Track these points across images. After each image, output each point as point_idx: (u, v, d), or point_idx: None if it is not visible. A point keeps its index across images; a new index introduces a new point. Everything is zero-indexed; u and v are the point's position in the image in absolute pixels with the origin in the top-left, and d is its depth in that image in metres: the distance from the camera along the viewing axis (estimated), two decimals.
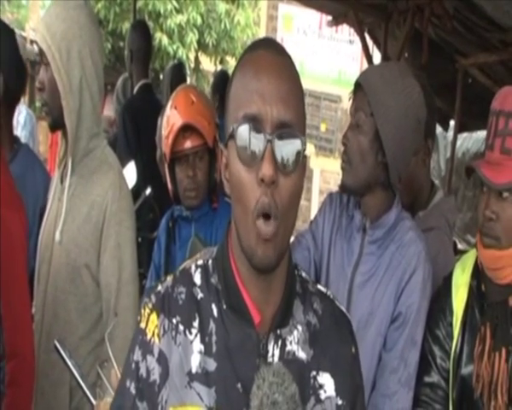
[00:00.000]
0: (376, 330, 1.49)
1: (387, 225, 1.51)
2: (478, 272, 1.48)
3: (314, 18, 12.04)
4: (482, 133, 5.68)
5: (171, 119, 2.01)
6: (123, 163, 2.15)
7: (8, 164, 1.69)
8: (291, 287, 0.98)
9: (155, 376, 0.93)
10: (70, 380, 1.62)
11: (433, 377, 1.50)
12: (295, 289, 1.00)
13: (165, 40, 9.65)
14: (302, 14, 12.09)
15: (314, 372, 0.97)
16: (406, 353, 1.46)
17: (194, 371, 0.93)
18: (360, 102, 1.48)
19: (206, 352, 0.93)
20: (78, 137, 1.70)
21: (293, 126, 0.88)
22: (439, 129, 5.58)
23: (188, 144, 2.00)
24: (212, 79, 5.74)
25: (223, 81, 4.34)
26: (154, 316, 0.95)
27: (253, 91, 0.88)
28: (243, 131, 0.88)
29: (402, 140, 1.45)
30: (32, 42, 7.68)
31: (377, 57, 5.19)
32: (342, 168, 1.53)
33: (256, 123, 0.87)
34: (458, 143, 5.76)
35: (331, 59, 13.01)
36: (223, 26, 10.32)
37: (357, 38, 5.77)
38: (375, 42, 5.21)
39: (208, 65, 11.02)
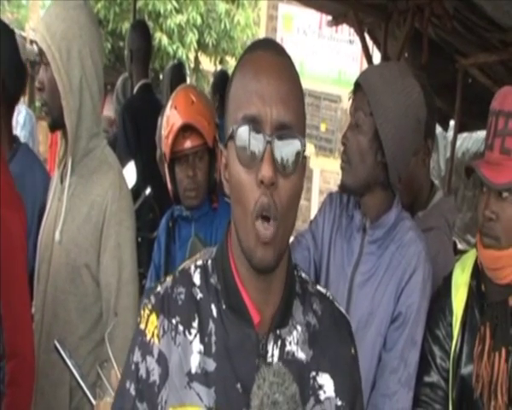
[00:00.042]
0: (376, 330, 1.49)
1: (387, 225, 1.51)
2: (478, 272, 1.48)
3: (314, 18, 12.04)
4: (482, 133, 5.67)
5: (171, 119, 2.01)
6: (123, 163, 2.15)
7: (7, 164, 1.69)
8: (290, 287, 0.98)
9: (155, 376, 0.93)
10: (70, 380, 1.62)
11: (433, 377, 1.50)
12: (295, 290, 1.00)
13: (164, 40, 9.65)
14: (302, 14, 12.10)
15: (313, 373, 0.97)
16: (406, 353, 1.46)
17: (193, 371, 0.93)
18: (360, 101, 1.48)
19: (206, 352, 0.93)
20: (77, 137, 1.70)
21: (292, 128, 0.88)
22: (438, 129, 5.58)
23: (188, 144, 2.00)
24: (211, 79, 5.74)
25: (222, 81, 4.34)
26: (153, 317, 0.95)
27: (253, 92, 0.88)
28: (243, 132, 0.88)
29: (401, 140, 1.45)
30: (31, 42, 7.67)
31: (377, 57, 5.19)
32: (342, 168, 1.53)
33: (256, 124, 0.87)
34: (458, 143, 5.76)
35: (331, 59, 13.02)
36: (223, 26, 10.32)
37: (357, 38, 5.77)
38: (375, 42, 5.21)
39: (208, 65, 11.02)
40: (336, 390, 0.98)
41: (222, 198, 2.08)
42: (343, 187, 1.53)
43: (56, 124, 1.73)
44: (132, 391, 0.94)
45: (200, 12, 10.07)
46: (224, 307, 0.95)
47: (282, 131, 0.87)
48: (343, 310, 1.06)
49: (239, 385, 0.92)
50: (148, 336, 0.95)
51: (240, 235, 0.91)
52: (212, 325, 0.94)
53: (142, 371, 0.94)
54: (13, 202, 1.55)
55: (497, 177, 1.34)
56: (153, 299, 0.97)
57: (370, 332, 1.49)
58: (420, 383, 1.49)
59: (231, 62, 10.66)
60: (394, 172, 1.48)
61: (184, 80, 4.27)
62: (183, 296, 0.96)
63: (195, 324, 0.95)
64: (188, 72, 8.49)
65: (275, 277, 0.94)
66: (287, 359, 0.95)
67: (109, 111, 4.57)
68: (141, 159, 3.08)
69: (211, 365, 0.93)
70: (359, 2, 4.56)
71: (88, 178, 1.71)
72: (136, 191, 2.60)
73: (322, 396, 0.97)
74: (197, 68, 11.08)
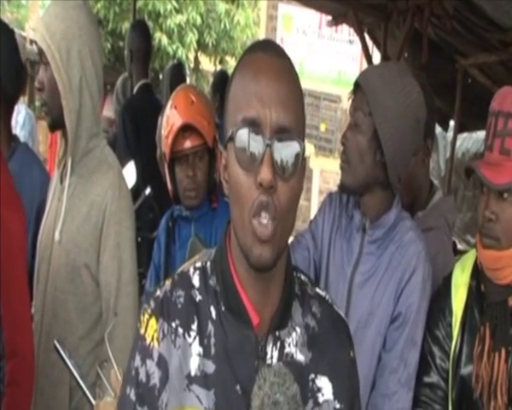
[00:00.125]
0: (376, 330, 1.49)
1: (387, 225, 1.51)
2: (477, 273, 1.48)
3: (314, 18, 12.04)
4: (482, 133, 5.67)
5: (171, 118, 2.01)
6: (122, 163, 2.15)
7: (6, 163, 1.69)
8: (290, 289, 0.98)
9: (155, 380, 0.93)
10: (70, 380, 1.62)
11: (433, 378, 1.50)
12: (294, 291, 0.99)
13: (164, 40, 9.64)
14: (302, 14, 12.10)
15: (312, 375, 0.97)
16: (406, 353, 1.46)
17: (192, 373, 0.93)
18: (359, 101, 1.48)
19: (205, 354, 0.93)
20: (77, 137, 1.70)
21: (292, 130, 0.88)
22: (438, 129, 5.58)
23: (187, 144, 2.00)
24: (211, 79, 5.74)
25: (222, 81, 4.34)
26: (153, 321, 0.95)
27: (252, 94, 0.88)
28: (242, 134, 0.88)
29: (401, 140, 1.45)
30: (31, 42, 7.68)
31: (377, 57, 5.19)
32: (341, 168, 1.53)
33: (255, 127, 0.87)
34: (458, 143, 5.76)
35: (331, 59, 13.02)
36: (222, 26, 10.31)
37: (356, 38, 5.77)
38: (375, 42, 5.21)
39: (208, 65, 11.01)
40: (335, 393, 0.98)
41: (222, 198, 2.08)
42: (342, 187, 1.53)
43: (56, 124, 1.73)
44: (132, 397, 0.94)
45: (199, 12, 10.07)
46: (223, 308, 0.95)
47: (282, 133, 0.87)
48: (342, 313, 1.06)
49: (238, 387, 0.92)
50: (148, 340, 0.94)
51: (238, 233, 0.91)
52: (211, 327, 0.94)
53: (142, 376, 0.94)
54: (13, 201, 1.55)
55: (496, 177, 1.34)
56: (152, 303, 0.97)
57: (370, 332, 1.49)
58: (419, 383, 1.49)
59: (231, 62, 10.65)
60: (393, 171, 1.48)
61: (184, 80, 4.26)
62: (182, 299, 0.96)
63: (195, 326, 0.94)
64: (187, 72, 8.50)
65: (274, 277, 0.94)
66: (286, 360, 0.95)
67: (109, 111, 4.57)
68: (141, 159, 3.08)
69: (210, 367, 0.93)
70: (359, 2, 4.56)
71: (87, 178, 1.71)
72: (136, 191, 2.60)
73: (321, 399, 0.97)
74: (197, 68, 11.07)
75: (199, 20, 10.03)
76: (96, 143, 1.75)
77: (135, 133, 3.29)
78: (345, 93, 1.93)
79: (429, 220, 1.75)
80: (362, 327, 1.48)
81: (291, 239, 1.33)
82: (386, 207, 1.52)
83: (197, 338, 0.94)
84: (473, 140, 6.71)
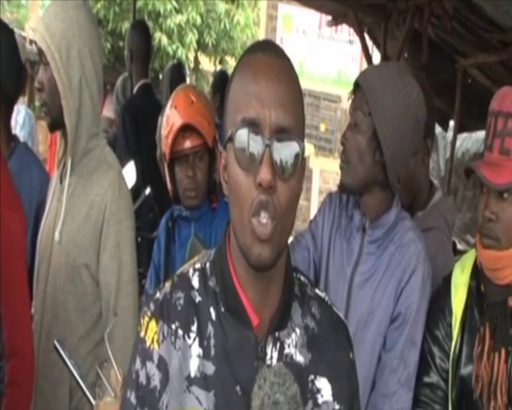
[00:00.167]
0: (376, 330, 1.49)
1: (387, 225, 1.51)
2: (477, 273, 1.48)
3: (314, 18, 12.05)
4: (482, 133, 5.67)
5: (171, 118, 2.01)
6: (122, 163, 2.15)
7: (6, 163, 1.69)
8: (289, 289, 0.98)
9: (155, 382, 0.93)
10: (69, 380, 1.62)
11: (433, 378, 1.50)
12: (293, 292, 0.99)
13: (164, 40, 9.64)
14: (302, 14, 12.11)
15: (312, 376, 0.97)
16: (406, 353, 1.46)
17: (192, 375, 0.93)
18: (359, 101, 1.48)
19: (205, 355, 0.93)
20: (77, 137, 1.69)
21: (291, 131, 0.88)
22: (438, 129, 5.58)
23: (187, 144, 2.00)
24: (211, 79, 5.74)
25: (222, 81, 4.34)
26: (152, 323, 0.95)
27: (252, 95, 0.88)
28: (241, 135, 0.88)
29: (400, 140, 1.45)
30: (31, 42, 7.68)
31: (377, 57, 5.19)
32: (341, 168, 1.53)
33: (254, 127, 0.87)
34: (458, 143, 5.76)
35: (331, 59, 13.02)
36: (222, 26, 10.31)
37: (356, 38, 5.77)
38: (375, 42, 5.21)
39: (208, 65, 11.01)
40: (334, 395, 0.98)
41: (221, 198, 2.08)
42: (342, 187, 1.53)
43: (56, 124, 1.73)
44: (133, 400, 0.94)
45: (199, 12, 10.07)
46: (222, 309, 0.95)
47: (281, 134, 0.87)
48: (341, 315, 1.06)
49: (238, 388, 0.92)
50: (148, 343, 0.94)
51: (237, 233, 0.91)
52: (210, 328, 0.94)
53: (143, 378, 0.94)
54: (12, 201, 1.55)
55: (496, 177, 1.34)
56: (152, 306, 0.97)
57: (370, 332, 1.49)
58: (419, 383, 1.49)
59: (231, 62, 10.65)
60: (393, 171, 1.48)
61: (184, 80, 4.26)
62: (182, 301, 0.96)
63: (194, 327, 0.94)
64: (187, 72, 8.50)
65: (273, 278, 0.94)
66: (285, 361, 0.95)
67: (109, 111, 4.57)
68: (141, 159, 3.08)
69: (210, 368, 0.93)
70: (359, 2, 4.56)
71: (87, 178, 1.71)
72: (136, 191, 2.60)
73: (320, 400, 0.97)
74: (197, 68, 11.07)
75: (199, 20, 10.03)
76: (96, 143, 1.75)
77: (135, 133, 3.29)
78: (345, 93, 1.94)
79: (429, 220, 1.75)
80: (362, 327, 1.48)
81: (291, 239, 1.33)
82: (386, 207, 1.52)
83: (197, 339, 0.94)
84: (473, 140, 6.71)
